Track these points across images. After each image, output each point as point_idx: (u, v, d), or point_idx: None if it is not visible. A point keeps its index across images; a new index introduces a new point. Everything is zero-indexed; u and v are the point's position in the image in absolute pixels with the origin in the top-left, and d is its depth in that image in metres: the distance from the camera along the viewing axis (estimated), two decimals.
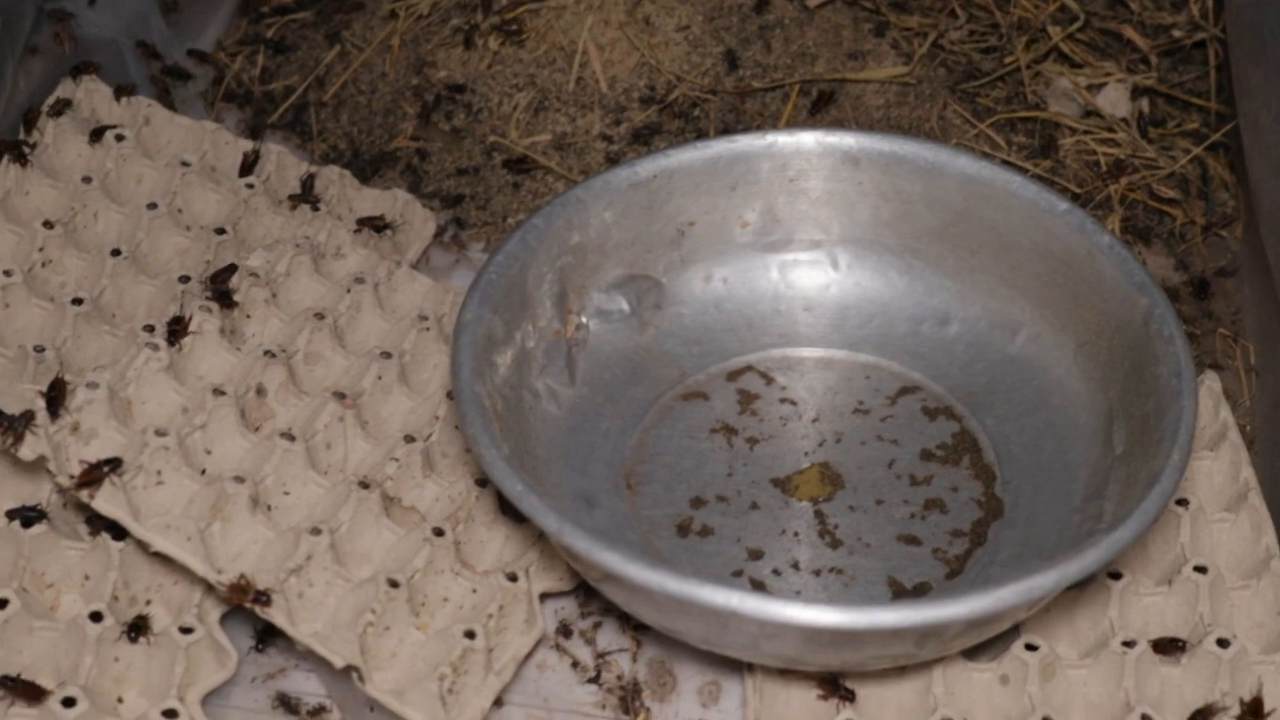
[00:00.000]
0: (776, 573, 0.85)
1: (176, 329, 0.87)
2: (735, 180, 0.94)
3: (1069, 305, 0.90)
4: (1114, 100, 1.11)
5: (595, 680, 0.84)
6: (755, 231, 0.95)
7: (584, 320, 0.92)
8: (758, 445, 0.91)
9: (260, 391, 0.88)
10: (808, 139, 0.94)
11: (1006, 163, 1.07)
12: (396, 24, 1.15)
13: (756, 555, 0.85)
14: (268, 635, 0.84)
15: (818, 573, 0.85)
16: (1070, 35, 1.12)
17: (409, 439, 0.87)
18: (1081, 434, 0.88)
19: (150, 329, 0.90)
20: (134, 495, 0.82)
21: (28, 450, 0.82)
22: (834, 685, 0.79)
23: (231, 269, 0.93)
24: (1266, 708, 0.79)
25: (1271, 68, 0.98)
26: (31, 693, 0.77)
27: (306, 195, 1.02)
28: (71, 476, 0.81)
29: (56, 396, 0.83)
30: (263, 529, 0.82)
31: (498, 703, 0.82)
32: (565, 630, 0.86)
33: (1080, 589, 0.85)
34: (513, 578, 0.83)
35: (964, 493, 0.88)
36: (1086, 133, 1.09)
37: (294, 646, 0.83)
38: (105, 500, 0.81)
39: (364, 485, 0.84)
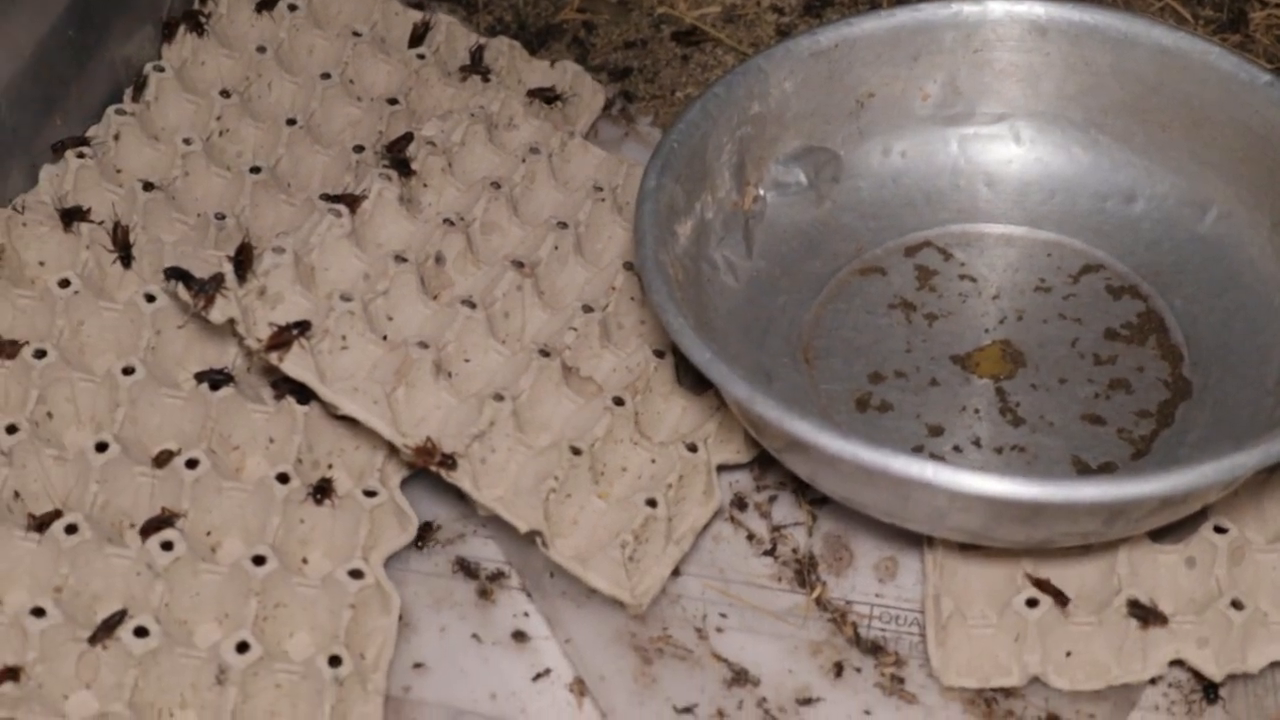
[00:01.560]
0: (957, 449, 0.84)
1: (351, 204, 0.88)
2: (918, 50, 0.92)
3: (1266, 182, 0.87)
4: None
5: (771, 553, 0.84)
6: (936, 104, 0.93)
7: (761, 192, 0.91)
8: (937, 321, 0.89)
9: (439, 260, 0.88)
10: (995, 7, 0.91)
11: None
12: None
13: (937, 431, 0.84)
14: (426, 531, 0.84)
15: (999, 450, 0.84)
16: None
17: (587, 309, 0.87)
18: (1276, 316, 0.85)
19: (327, 197, 0.91)
20: (320, 359, 0.83)
21: (218, 313, 0.83)
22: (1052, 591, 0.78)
23: (409, 137, 0.93)
24: None
25: None
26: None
27: (477, 66, 1.02)
28: (260, 340, 0.82)
29: (244, 261, 0.84)
30: (445, 395, 0.83)
31: (675, 572, 0.82)
32: (740, 503, 0.86)
33: (1269, 473, 0.82)
34: (692, 448, 0.83)
35: (1150, 373, 0.86)
36: (1278, 5, 1.05)
37: (472, 514, 0.84)
38: (294, 363, 0.82)
39: (544, 353, 0.84)
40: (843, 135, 0.93)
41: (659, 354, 0.87)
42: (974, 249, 0.92)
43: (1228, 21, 1.05)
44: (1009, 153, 0.94)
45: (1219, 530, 0.80)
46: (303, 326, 0.82)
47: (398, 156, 0.91)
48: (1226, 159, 0.89)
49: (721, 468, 0.85)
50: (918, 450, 0.84)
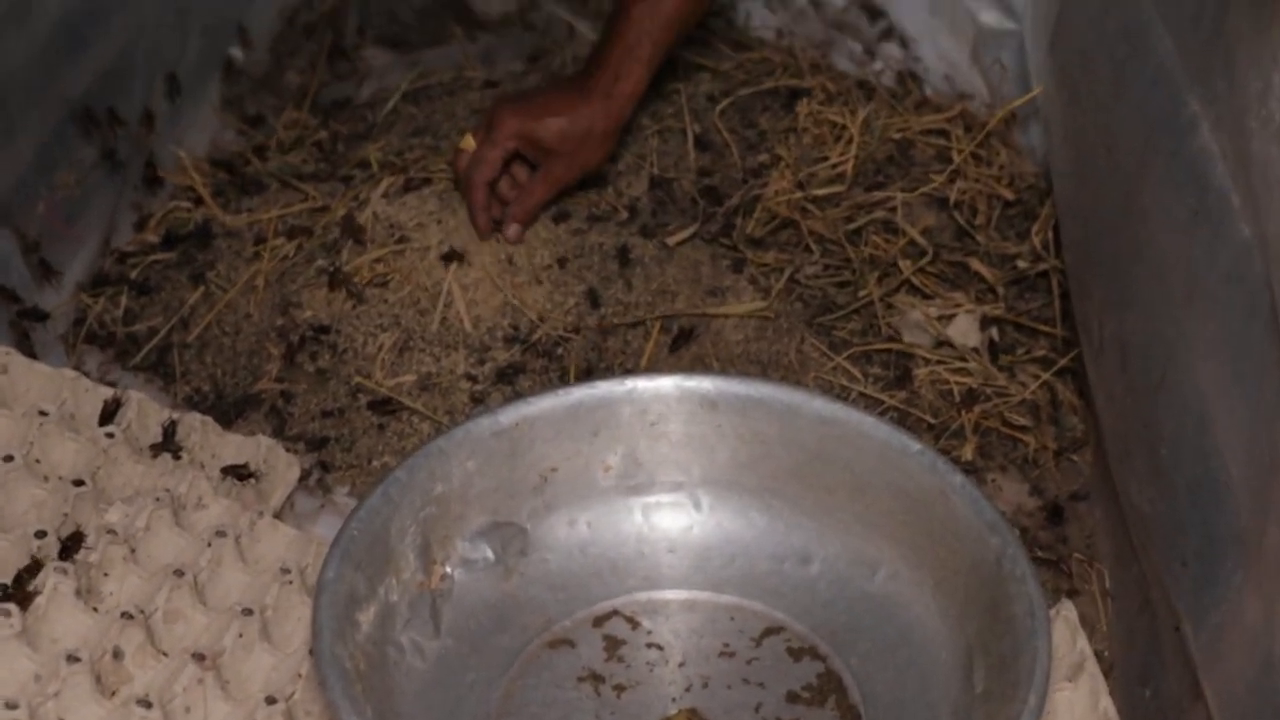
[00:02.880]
0: None
1: (23, 601, 0.86)
2: (597, 426, 0.95)
3: (925, 543, 0.92)
4: (964, 330, 1.15)
5: None
6: (618, 475, 0.96)
7: (448, 570, 0.92)
8: (625, 693, 0.90)
9: (117, 654, 0.87)
10: (666, 384, 0.96)
11: (864, 394, 1.10)
12: (261, 264, 1.16)
13: None
14: None
15: None
16: (920, 269, 1.16)
17: (270, 700, 0.86)
18: (942, 672, 0.89)
19: (3, 589, 0.88)
20: None
21: None
22: None
23: (80, 536, 0.92)
24: None
25: (1099, 298, 1.02)
26: None
27: (168, 444, 1.02)
28: None
29: None
30: None
31: None
32: None
33: None
34: None
35: None
36: (940, 363, 1.13)
37: None
38: None
39: None
40: (528, 509, 0.95)
41: None
42: (660, 616, 0.94)
43: (894, 379, 1.12)
44: (690, 519, 0.97)
45: None
46: None
47: (73, 551, 0.90)
48: (889, 521, 0.93)
49: None
50: None
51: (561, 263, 1.14)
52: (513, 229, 1.13)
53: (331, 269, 1.13)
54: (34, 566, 0.90)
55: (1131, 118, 0.99)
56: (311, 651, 0.88)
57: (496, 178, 1.12)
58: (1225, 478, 0.84)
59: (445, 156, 1.22)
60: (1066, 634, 0.95)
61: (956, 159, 1.21)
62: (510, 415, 0.94)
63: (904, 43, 1.41)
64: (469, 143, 1.13)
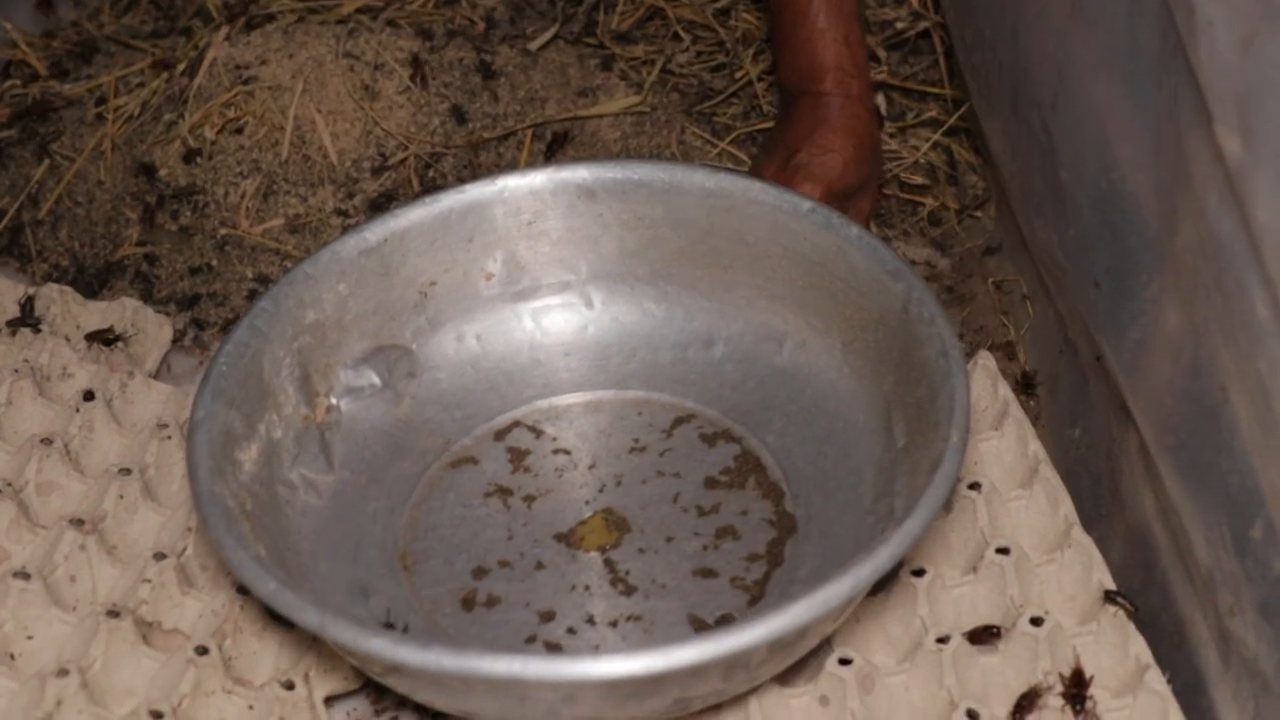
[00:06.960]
0: (572, 631, 0.80)
1: None
2: (470, 232, 0.90)
3: (829, 305, 0.87)
4: None
5: None
6: (501, 282, 0.91)
7: (334, 401, 0.87)
8: (535, 502, 0.86)
9: None
10: (538, 178, 0.90)
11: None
12: (106, 128, 1.09)
13: (548, 617, 0.81)
14: None
15: (614, 623, 0.80)
16: None
17: (159, 556, 0.81)
18: (862, 434, 0.85)
19: None
20: None
21: None
22: None
23: None
24: (1087, 676, 0.77)
25: (987, 46, 0.97)
26: None
27: (26, 318, 0.96)
28: None
29: None
30: (4, 680, 0.75)
31: None
32: None
33: (886, 592, 0.82)
34: (289, 685, 0.77)
35: (754, 514, 0.85)
36: None
37: None
38: None
39: (113, 614, 0.78)
40: (411, 329, 0.90)
41: (244, 591, 0.81)
42: (564, 421, 0.90)
43: None
44: (583, 318, 0.92)
45: (844, 662, 0.78)
46: None
47: None
48: (789, 290, 0.89)
49: (333, 698, 0.79)
50: (530, 641, 0.79)
51: (420, 81, 1.07)
52: None
53: (180, 122, 1.06)
54: None
55: None
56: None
57: None
58: (1130, 187, 0.80)
59: None
60: (987, 383, 0.92)
61: None
62: (377, 231, 0.88)
63: None
64: None
